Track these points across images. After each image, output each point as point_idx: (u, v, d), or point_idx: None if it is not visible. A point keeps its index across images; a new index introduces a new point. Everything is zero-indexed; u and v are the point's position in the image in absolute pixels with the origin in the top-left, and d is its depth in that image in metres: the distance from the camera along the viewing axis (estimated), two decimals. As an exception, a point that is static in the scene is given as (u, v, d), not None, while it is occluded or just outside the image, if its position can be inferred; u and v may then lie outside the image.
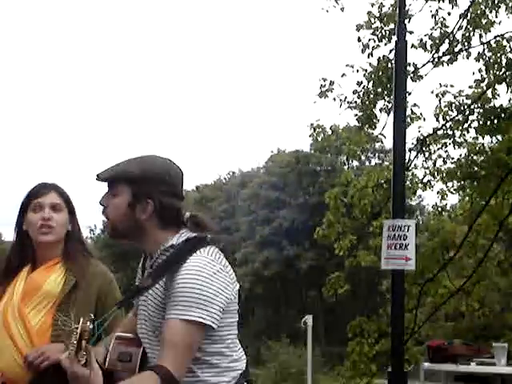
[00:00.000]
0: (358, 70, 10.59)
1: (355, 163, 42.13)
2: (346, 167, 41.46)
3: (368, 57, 10.54)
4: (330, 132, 11.59)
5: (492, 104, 10.37)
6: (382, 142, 11.45)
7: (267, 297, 48.03)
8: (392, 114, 7.79)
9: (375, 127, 10.83)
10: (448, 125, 10.90)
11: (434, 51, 10.48)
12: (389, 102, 10.36)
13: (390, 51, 10.16)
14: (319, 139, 11.84)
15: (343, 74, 10.64)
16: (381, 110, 10.67)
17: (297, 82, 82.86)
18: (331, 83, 10.68)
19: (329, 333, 39.72)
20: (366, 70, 10.52)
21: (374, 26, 10.54)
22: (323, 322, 41.50)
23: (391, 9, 10.39)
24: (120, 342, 2.77)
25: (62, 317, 3.16)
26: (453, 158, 11.26)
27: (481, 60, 10.42)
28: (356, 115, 10.68)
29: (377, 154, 42.63)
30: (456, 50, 10.47)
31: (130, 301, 2.81)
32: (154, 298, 2.69)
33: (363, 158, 40.39)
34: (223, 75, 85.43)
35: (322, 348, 33.10)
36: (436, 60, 10.50)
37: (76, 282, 3.33)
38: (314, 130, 11.51)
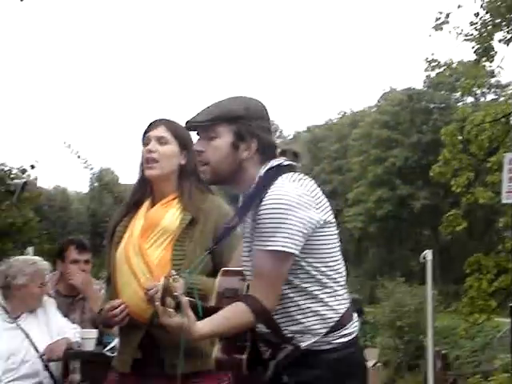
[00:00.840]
0: (475, 1, 10.29)
1: (470, 99, 41.18)
2: (460, 103, 40.54)
3: (486, -14, 10.22)
4: (445, 66, 11.32)
5: None
6: (499, 75, 11.08)
7: (380, 236, 47.81)
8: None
9: (493, 60, 10.52)
10: None
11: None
12: (508, 32, 10.04)
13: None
14: (434, 74, 11.60)
15: (459, 6, 10.39)
16: (499, 41, 10.33)
17: (410, 16, 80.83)
18: (447, 16, 10.41)
19: (444, 272, 39.30)
20: (483, 1, 10.19)
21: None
22: (438, 260, 41.09)
23: None
24: (226, 277, 2.76)
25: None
26: None
27: None
28: (473, 47, 10.38)
29: (492, 90, 41.38)
30: None
31: (220, 241, 2.80)
32: (247, 233, 2.70)
33: (478, 93, 39.37)
34: (336, 13, 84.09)
35: (437, 286, 32.80)
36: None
37: (192, 218, 3.33)
38: (429, 64, 11.24)
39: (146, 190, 3.48)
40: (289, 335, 2.63)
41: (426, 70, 11.37)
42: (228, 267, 2.86)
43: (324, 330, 2.64)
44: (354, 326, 2.74)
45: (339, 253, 2.72)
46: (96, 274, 5.20)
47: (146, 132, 3.46)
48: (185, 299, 2.47)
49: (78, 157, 7.19)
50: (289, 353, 2.62)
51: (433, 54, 11.38)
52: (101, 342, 4.50)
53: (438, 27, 10.39)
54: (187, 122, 2.73)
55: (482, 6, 10.17)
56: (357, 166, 48.48)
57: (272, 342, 2.64)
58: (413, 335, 26.78)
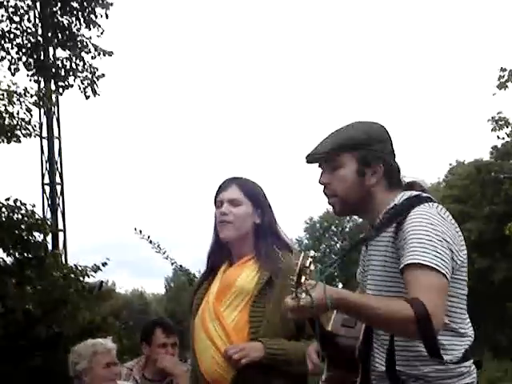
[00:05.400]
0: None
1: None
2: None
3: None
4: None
5: None
6: None
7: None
8: None
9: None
10: None
11: None
12: None
13: None
14: (502, 134, 11.29)
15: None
16: None
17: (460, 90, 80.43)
18: (510, 73, 10.20)
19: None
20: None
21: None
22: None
23: None
24: None
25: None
26: None
27: None
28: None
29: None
30: None
31: (352, 250, 2.68)
32: (380, 253, 2.54)
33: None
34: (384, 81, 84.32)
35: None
36: None
37: (270, 278, 3.20)
38: (496, 122, 10.96)
39: (222, 254, 3.39)
40: (403, 377, 2.45)
41: (492, 130, 11.02)
42: None
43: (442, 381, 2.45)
44: (473, 377, 2.53)
45: (465, 301, 2.57)
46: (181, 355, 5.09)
47: (217, 193, 3.38)
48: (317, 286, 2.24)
49: (150, 242, 7.12)
50: None
51: (499, 113, 10.98)
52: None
53: (502, 85, 10.19)
54: (308, 156, 2.65)
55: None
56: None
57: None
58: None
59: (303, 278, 2.18)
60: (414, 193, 2.59)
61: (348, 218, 56.05)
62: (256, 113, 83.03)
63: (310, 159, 2.65)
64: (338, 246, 54.58)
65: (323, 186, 2.65)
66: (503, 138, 11.83)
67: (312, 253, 2.23)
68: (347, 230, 55.69)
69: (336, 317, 2.58)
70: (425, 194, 2.60)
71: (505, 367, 26.87)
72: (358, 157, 2.57)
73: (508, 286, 42.51)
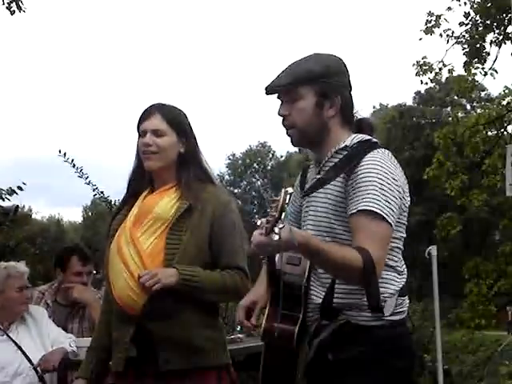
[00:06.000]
0: (464, 3, 10.22)
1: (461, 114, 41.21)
2: (450, 117, 40.61)
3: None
4: (437, 69, 11.11)
5: None
6: (493, 76, 10.87)
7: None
8: (503, 48, 7.46)
9: (485, 61, 10.42)
10: None
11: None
12: (499, 34, 9.97)
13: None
14: (426, 79, 11.41)
15: (449, 8, 10.32)
16: (491, 43, 10.26)
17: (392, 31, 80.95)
18: (438, 17, 10.29)
19: (441, 288, 39.19)
20: (473, 2, 10.12)
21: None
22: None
23: None
24: None
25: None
26: None
27: None
28: (464, 49, 10.28)
29: (482, 103, 41.53)
30: None
31: (312, 192, 2.69)
32: (331, 195, 2.58)
33: (468, 107, 39.41)
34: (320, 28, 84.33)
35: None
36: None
37: (189, 206, 3.17)
38: (421, 67, 11.07)
39: (143, 180, 3.33)
40: (337, 308, 2.54)
41: (416, 74, 11.14)
42: None
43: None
44: (406, 307, 2.65)
45: (402, 244, 2.66)
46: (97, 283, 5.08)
47: (140, 122, 3.29)
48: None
49: (74, 165, 7.01)
50: (336, 328, 2.53)
51: (424, 57, 11.16)
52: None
53: (428, 30, 10.30)
54: (267, 87, 2.67)
55: (471, 7, 10.15)
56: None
57: (322, 315, 2.55)
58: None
59: (283, 215, 2.18)
60: (366, 137, 2.64)
61: (270, 155, 56.34)
62: (189, 42, 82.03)
63: (270, 90, 2.67)
64: (259, 183, 54.94)
65: (282, 118, 2.68)
66: (426, 83, 11.92)
67: (290, 189, 2.23)
68: (269, 168, 55.94)
69: (281, 254, 2.59)
70: (374, 140, 2.65)
71: (414, 307, 27.62)
72: (317, 89, 2.61)
73: (422, 229, 43.52)
